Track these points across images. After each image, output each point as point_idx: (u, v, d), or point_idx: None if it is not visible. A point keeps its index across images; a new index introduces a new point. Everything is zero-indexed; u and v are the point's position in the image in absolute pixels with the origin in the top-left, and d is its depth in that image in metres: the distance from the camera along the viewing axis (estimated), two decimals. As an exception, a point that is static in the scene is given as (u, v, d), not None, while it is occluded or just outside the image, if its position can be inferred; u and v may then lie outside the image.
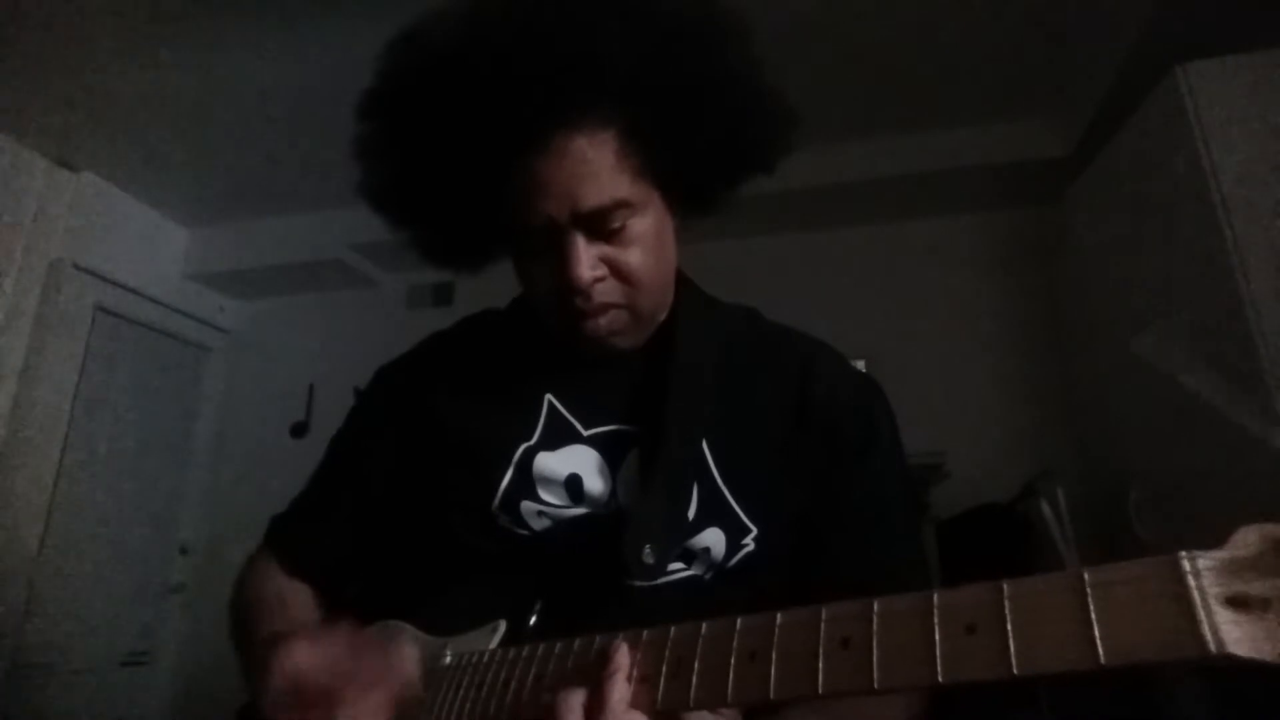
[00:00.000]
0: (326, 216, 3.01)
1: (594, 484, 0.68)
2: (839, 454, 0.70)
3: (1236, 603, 0.30)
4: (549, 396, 0.72)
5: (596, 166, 0.62)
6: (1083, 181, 2.19)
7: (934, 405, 2.42)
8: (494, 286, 0.87)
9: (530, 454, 0.69)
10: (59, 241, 2.65)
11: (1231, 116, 1.62)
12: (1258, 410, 1.48)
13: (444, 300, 3.16)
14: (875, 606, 0.39)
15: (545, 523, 0.68)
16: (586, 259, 0.63)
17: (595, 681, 0.47)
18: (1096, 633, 0.32)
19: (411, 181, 0.69)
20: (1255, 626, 0.29)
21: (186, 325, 3.15)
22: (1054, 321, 2.56)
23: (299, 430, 3.14)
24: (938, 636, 0.36)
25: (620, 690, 0.46)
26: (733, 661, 0.43)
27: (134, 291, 2.90)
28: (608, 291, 0.66)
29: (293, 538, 0.80)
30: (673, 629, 0.47)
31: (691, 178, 0.69)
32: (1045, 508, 1.86)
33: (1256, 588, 0.30)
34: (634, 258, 0.66)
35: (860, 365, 1.28)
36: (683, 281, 0.78)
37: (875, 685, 0.37)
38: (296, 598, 0.75)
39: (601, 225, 0.64)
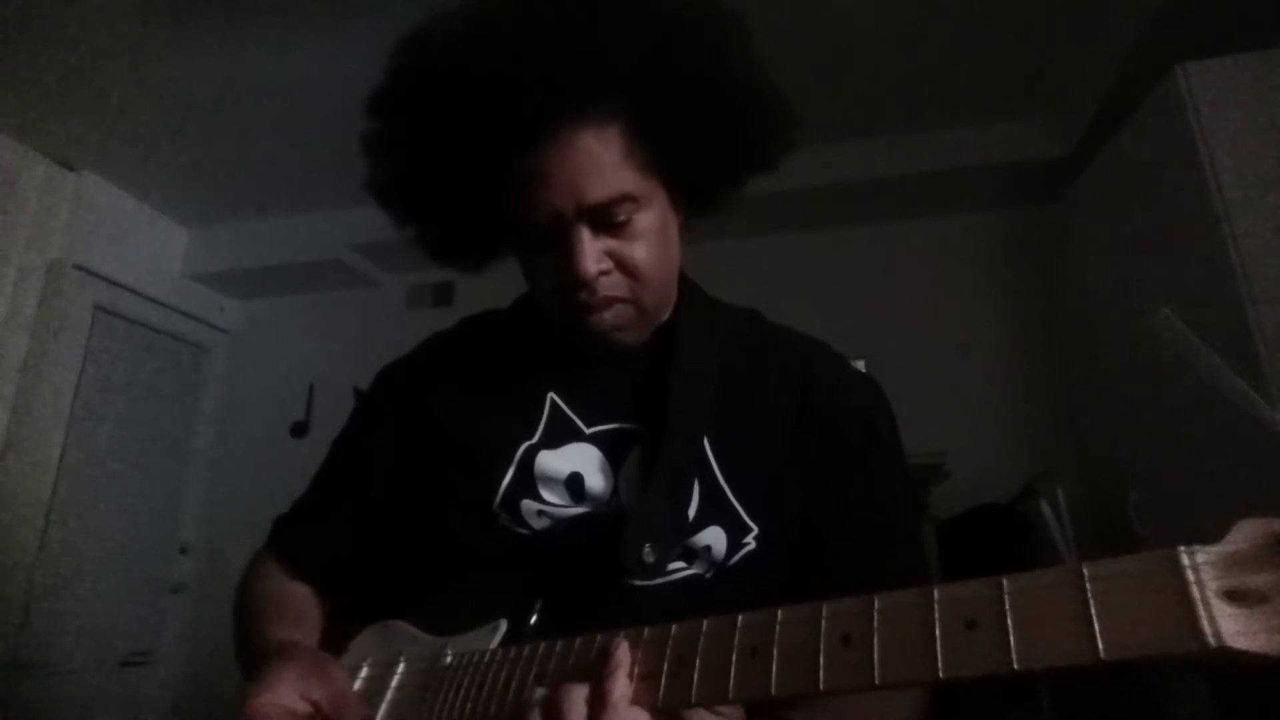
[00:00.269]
0: (326, 216, 3.02)
1: (595, 482, 0.68)
2: (839, 454, 0.70)
3: (1235, 596, 0.30)
4: (552, 395, 0.72)
5: (602, 160, 0.62)
6: (1083, 181, 2.19)
7: (934, 405, 2.42)
8: (495, 286, 0.87)
9: (532, 453, 0.69)
10: (59, 241, 2.64)
11: (1231, 116, 1.62)
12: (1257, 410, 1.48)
13: (444, 300, 3.16)
14: (876, 603, 0.39)
15: (545, 522, 0.68)
16: (592, 252, 0.64)
17: (596, 679, 0.47)
18: (1096, 626, 0.32)
19: (418, 178, 0.69)
20: (1253, 620, 0.30)
21: (186, 325, 3.15)
22: (1054, 321, 2.56)
23: (299, 430, 3.14)
24: (938, 632, 0.36)
25: (622, 687, 0.46)
26: (734, 658, 0.43)
27: (134, 291, 2.90)
28: (613, 285, 0.66)
29: (295, 539, 0.80)
30: (674, 627, 0.47)
31: (695, 174, 0.69)
32: (1045, 508, 1.86)
33: (1255, 581, 0.30)
34: (639, 252, 0.66)
35: (860, 365, 1.29)
36: (685, 282, 0.78)
37: (876, 681, 0.37)
38: (298, 600, 0.76)
39: (607, 219, 0.64)
